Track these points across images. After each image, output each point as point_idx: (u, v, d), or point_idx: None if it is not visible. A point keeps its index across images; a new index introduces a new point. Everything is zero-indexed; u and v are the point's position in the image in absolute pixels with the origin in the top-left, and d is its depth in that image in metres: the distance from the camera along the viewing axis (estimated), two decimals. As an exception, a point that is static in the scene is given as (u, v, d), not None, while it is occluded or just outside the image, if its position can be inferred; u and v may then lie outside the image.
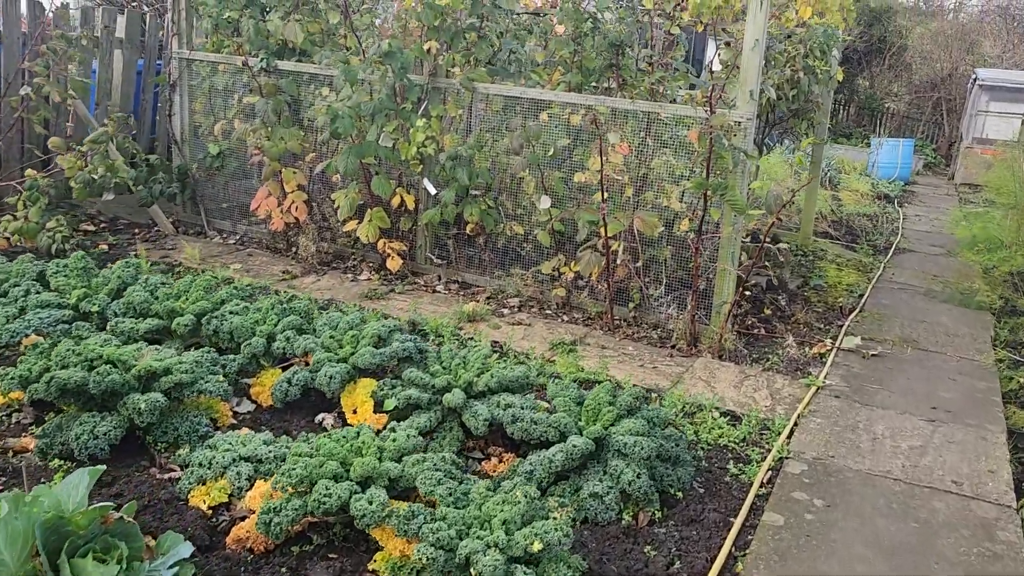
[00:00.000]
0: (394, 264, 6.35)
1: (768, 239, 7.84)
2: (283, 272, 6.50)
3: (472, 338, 5.44)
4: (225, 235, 7.34)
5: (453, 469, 3.41)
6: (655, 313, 5.94)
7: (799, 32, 8.16)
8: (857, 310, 7.02)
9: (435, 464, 3.29)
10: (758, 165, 7.43)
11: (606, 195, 5.87)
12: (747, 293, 6.71)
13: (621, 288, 6.04)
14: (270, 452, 3.49)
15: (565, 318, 6.07)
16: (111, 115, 6.45)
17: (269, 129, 6.50)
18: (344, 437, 3.46)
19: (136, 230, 7.24)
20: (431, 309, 5.98)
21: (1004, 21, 26.10)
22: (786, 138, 8.79)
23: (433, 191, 6.28)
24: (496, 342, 5.47)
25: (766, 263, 7.80)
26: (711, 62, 5.15)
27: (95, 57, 7.65)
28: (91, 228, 7.12)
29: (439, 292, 6.39)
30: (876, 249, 9.78)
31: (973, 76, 19.49)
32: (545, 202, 5.76)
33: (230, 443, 3.57)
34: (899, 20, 26.31)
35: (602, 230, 5.59)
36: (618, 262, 5.89)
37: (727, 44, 5.52)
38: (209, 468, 3.44)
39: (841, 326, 6.53)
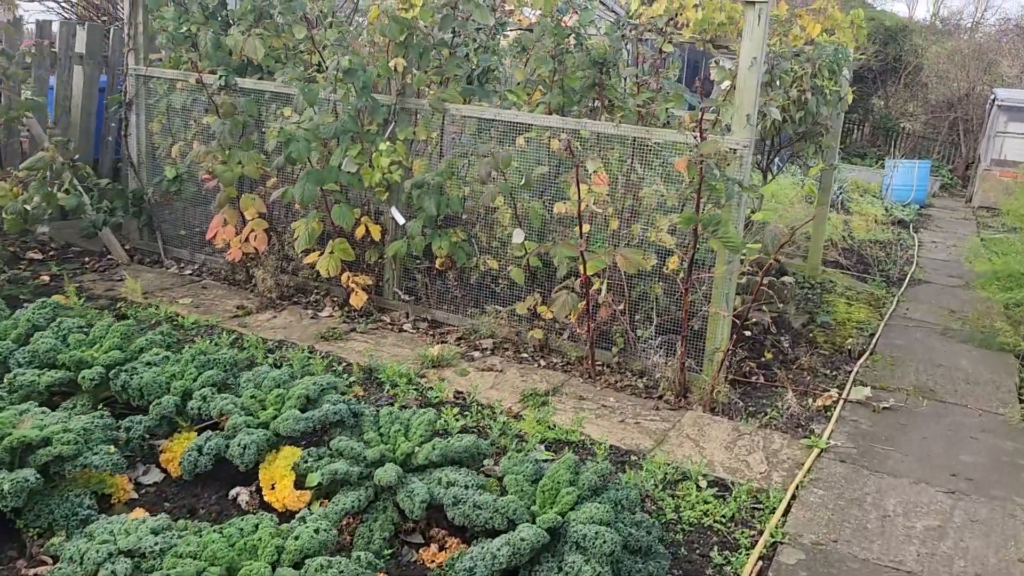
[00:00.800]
0: (358, 300, 5.76)
1: (769, 277, 7.21)
2: (237, 307, 5.91)
3: (432, 387, 4.83)
4: (182, 264, 6.77)
5: (370, 573, 2.79)
6: (641, 358, 5.32)
7: (807, 51, 7.55)
8: (867, 353, 6.36)
9: (341, 571, 2.68)
10: (761, 195, 6.80)
11: (588, 228, 5.26)
12: (746, 333, 6.09)
13: (604, 331, 5.43)
14: (156, 545, 2.88)
15: (542, 363, 5.45)
16: (52, 139, 5.90)
17: (227, 152, 5.94)
18: (241, 531, 2.85)
19: (87, 259, 6.68)
20: (393, 352, 5.37)
21: (1023, 40, 25.38)
22: (793, 163, 8.17)
23: (401, 221, 5.70)
24: (460, 392, 4.86)
25: (765, 302, 7.16)
26: (702, 81, 4.55)
27: (52, 73, 7.13)
28: (38, 256, 6.57)
29: (406, 332, 5.79)
30: (889, 280, 9.12)
31: (991, 96, 18.80)
32: (518, 236, 5.15)
33: (111, 532, 2.96)
34: (914, 39, 25.69)
35: (581, 267, 4.98)
36: (600, 302, 5.28)
37: (716, 63, 4.90)
38: (80, 564, 2.84)
39: (849, 372, 5.89)
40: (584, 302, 5.09)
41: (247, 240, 6.00)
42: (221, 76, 6.05)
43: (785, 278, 7.39)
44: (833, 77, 7.49)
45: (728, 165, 4.72)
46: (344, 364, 5.06)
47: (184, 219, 6.81)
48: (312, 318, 5.87)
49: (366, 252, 5.95)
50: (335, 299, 6.12)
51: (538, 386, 5.05)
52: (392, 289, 6.02)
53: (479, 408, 4.66)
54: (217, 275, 6.57)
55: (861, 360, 6.16)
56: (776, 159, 8.06)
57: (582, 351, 5.39)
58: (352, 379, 4.83)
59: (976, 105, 22.49)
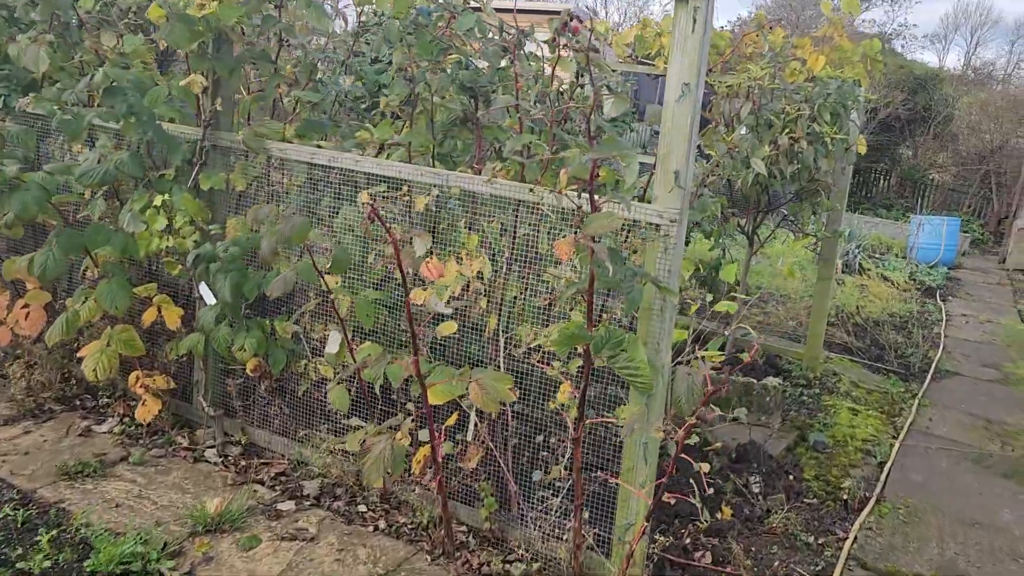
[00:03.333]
0: (146, 412, 3.95)
1: (747, 379, 5.30)
2: (-17, 416, 4.14)
3: (172, 583, 2.98)
4: (-39, 344, 5.02)
5: None
6: (526, 525, 3.45)
7: (806, 88, 5.73)
8: (872, 501, 4.42)
9: None
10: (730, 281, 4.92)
11: (453, 328, 3.43)
12: (705, 467, 4.15)
13: (473, 482, 3.57)
14: None
15: (382, 524, 3.59)
16: None
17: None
18: None
19: None
20: (165, 501, 3.55)
21: (1061, 92, 23.31)
22: (787, 228, 6.26)
23: (211, 301, 3.90)
24: (211, 593, 3.01)
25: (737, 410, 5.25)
26: (588, 122, 2.73)
27: None
28: None
29: (206, 462, 3.96)
30: (909, 371, 7.14)
31: (1029, 149, 16.80)
32: (334, 342, 3.32)
33: None
34: (945, 88, 23.71)
35: (424, 397, 3.14)
36: (471, 439, 3.44)
37: (607, 88, 3.00)
38: None
39: (843, 539, 3.96)
40: (429, 447, 3.24)
41: (18, 319, 4.24)
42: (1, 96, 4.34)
43: (770, 380, 5.48)
44: (837, 121, 5.64)
45: (637, 250, 2.88)
46: (55, 532, 3.23)
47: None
48: (83, 435, 4.06)
49: (167, 343, 4.15)
50: (130, 404, 4.31)
51: (356, 572, 3.19)
52: (199, 397, 4.19)
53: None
54: (-9, 363, 4.82)
55: (862, 516, 4.23)
56: (757, 227, 6.17)
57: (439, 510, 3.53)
58: (47, 564, 3.02)
59: (1011, 158, 20.50)
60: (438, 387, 3.11)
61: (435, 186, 3.42)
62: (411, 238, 2.82)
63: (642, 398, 3.00)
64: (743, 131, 5.15)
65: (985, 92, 26.42)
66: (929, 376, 7.01)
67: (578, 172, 2.69)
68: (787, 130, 5.51)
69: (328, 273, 3.17)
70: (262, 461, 3.97)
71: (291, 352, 3.81)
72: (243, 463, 3.95)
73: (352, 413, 3.97)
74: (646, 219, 2.99)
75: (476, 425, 3.53)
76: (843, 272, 11.48)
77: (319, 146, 3.74)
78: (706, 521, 3.85)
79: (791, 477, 4.59)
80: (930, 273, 12.48)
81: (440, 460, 3.23)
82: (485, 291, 3.45)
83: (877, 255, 13.33)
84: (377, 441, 3.00)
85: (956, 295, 11.57)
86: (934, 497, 4.63)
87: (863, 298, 9.60)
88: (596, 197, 2.72)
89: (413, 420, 3.33)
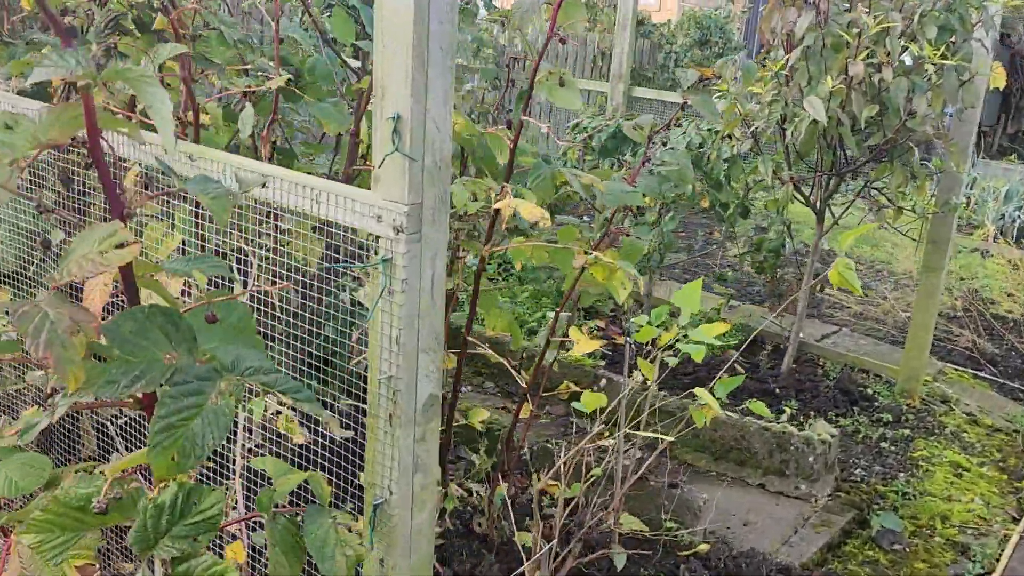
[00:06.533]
0: None
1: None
2: None
3: None
4: None
5: None
6: None
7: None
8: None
9: None
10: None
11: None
12: None
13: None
14: None
15: None
16: None
17: None
18: None
19: None
20: None
21: None
22: (867, 199, 4.12)
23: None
24: None
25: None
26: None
27: None
28: None
29: None
30: (1061, 395, 4.99)
31: None
32: None
33: None
34: None
35: None
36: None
37: None
38: None
39: None
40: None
41: None
42: None
43: (818, 429, 3.60)
44: (947, 40, 3.58)
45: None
46: None
47: None
48: None
49: None
50: None
51: None
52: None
53: None
54: None
55: None
56: (831, 196, 4.18)
57: None
58: None
59: None
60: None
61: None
62: None
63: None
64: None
65: None
66: (1088, 404, 4.84)
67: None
68: (863, 55, 3.54)
69: None
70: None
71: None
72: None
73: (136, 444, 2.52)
74: (340, 220, 1.32)
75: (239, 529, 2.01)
76: (994, 241, 9.01)
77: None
78: None
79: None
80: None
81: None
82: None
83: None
84: None
85: None
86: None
87: (1013, 282, 7.24)
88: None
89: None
